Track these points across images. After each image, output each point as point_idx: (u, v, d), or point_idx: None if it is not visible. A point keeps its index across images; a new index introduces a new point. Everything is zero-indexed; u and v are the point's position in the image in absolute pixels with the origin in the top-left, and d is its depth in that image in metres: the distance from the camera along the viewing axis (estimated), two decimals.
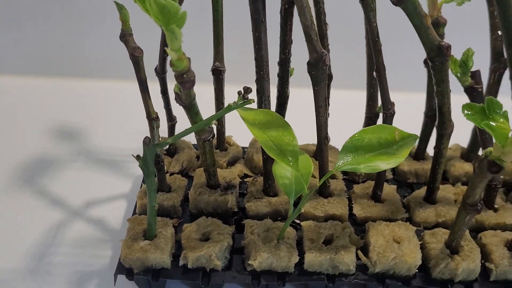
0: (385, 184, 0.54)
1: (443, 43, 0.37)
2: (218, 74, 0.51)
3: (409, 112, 0.60)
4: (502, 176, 0.50)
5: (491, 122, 0.35)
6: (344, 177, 0.58)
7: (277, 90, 0.51)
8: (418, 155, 0.58)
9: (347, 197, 0.53)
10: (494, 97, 0.54)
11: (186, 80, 0.36)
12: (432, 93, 0.45)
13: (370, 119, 0.53)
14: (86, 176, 0.66)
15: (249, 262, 0.45)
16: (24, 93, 0.86)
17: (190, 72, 0.36)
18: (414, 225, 0.51)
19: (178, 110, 0.47)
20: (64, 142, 0.73)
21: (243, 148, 0.61)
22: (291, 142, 0.42)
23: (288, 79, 0.50)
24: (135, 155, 0.41)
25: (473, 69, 0.44)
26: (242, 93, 0.42)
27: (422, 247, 0.47)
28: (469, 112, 0.35)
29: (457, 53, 0.43)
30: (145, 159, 0.40)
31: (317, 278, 0.46)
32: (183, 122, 0.49)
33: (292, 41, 0.49)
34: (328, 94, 0.54)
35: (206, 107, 0.50)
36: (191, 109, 0.41)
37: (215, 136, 0.49)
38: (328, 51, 0.52)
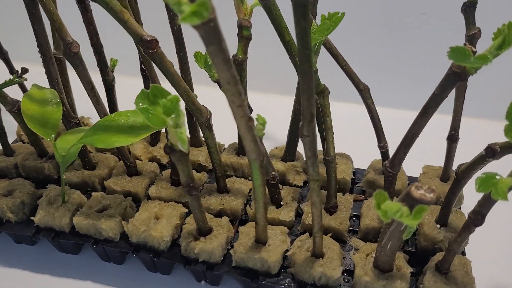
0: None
1: (145, 37, 0.42)
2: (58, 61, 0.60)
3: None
4: (274, 172, 0.52)
5: (149, 107, 0.39)
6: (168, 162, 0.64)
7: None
8: (240, 150, 0.61)
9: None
10: None
11: None
12: None
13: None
14: None
15: (32, 218, 0.53)
16: None
17: None
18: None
19: None
20: None
21: None
22: (57, 117, 0.50)
23: (106, 67, 0.58)
24: None
25: None
26: (19, 72, 0.50)
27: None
28: (139, 99, 0.40)
29: None
30: None
31: (85, 240, 0.53)
32: None
33: (98, 33, 0.56)
34: None
35: None
36: None
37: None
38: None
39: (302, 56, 0.35)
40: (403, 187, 0.56)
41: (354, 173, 0.62)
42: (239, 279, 0.50)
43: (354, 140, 0.68)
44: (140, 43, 0.43)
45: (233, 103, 0.33)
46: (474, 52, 0.34)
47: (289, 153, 0.60)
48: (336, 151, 0.61)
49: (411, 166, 0.60)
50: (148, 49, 0.43)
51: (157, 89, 0.39)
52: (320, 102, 0.49)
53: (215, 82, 0.49)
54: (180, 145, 0.38)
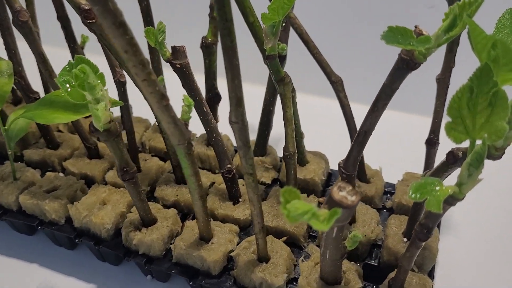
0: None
1: (83, 5, 0.39)
2: None
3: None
4: (229, 165, 0.48)
5: (70, 80, 0.36)
6: None
7: None
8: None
9: None
10: None
11: None
12: None
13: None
14: None
15: None
16: None
17: None
18: (155, 200, 0.52)
19: None
20: None
21: None
22: (7, 90, 0.48)
23: (75, 43, 0.55)
24: None
25: None
26: None
27: None
28: (64, 71, 0.37)
29: None
30: None
31: (30, 220, 0.50)
32: None
33: (64, 5, 0.54)
34: None
35: None
36: None
37: None
38: None
39: (222, 28, 0.31)
40: (377, 194, 0.51)
41: (330, 174, 0.56)
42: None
43: (337, 140, 0.62)
44: (78, 12, 0.40)
45: (137, 77, 0.29)
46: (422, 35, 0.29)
47: (259, 147, 0.55)
48: (314, 150, 0.57)
49: (394, 172, 0.55)
50: (86, 19, 0.40)
51: (81, 59, 0.37)
52: (280, 91, 0.44)
53: (166, 61, 0.45)
54: (95, 122, 0.35)
